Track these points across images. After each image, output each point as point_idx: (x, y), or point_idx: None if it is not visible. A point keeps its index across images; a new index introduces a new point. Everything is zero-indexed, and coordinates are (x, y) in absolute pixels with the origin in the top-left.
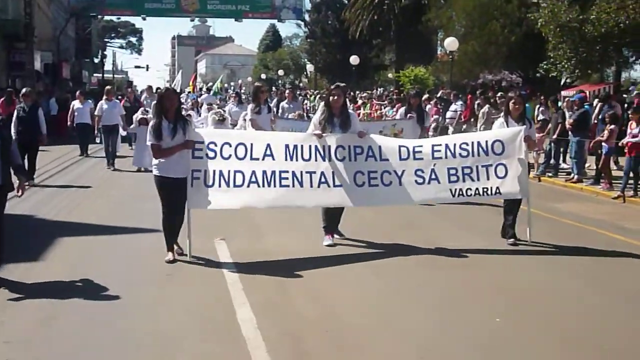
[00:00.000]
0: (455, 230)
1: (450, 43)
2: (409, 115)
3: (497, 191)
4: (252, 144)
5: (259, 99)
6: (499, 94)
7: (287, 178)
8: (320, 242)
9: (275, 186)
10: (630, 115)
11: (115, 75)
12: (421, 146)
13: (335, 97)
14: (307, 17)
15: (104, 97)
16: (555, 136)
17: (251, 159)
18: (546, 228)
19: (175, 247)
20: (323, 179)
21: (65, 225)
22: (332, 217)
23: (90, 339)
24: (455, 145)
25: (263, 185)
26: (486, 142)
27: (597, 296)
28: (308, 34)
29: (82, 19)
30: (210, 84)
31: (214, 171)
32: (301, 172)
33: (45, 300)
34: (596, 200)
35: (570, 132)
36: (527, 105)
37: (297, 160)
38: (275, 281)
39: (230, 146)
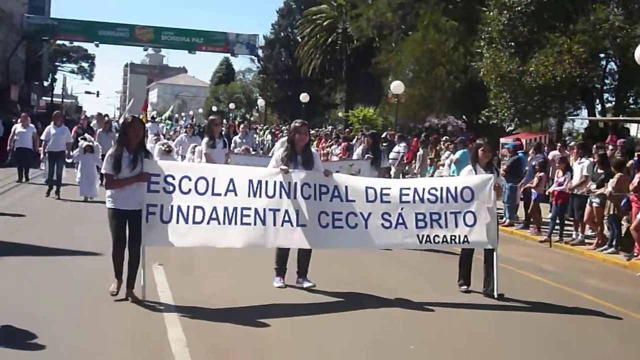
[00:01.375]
0: (415, 280)
1: (397, 86)
2: (366, 155)
3: (465, 240)
4: (214, 178)
5: (212, 132)
6: (444, 138)
7: (249, 215)
8: (255, 270)
9: (236, 224)
10: (557, 165)
11: (65, 100)
12: (389, 188)
13: (302, 135)
14: (260, 52)
15: (52, 122)
16: None
17: (212, 194)
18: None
19: (132, 296)
20: (287, 218)
21: (5, 246)
22: (284, 259)
23: (14, 355)
24: (424, 189)
25: (224, 223)
26: (455, 188)
27: (509, 332)
28: (260, 69)
29: (33, 42)
30: (154, 112)
31: (172, 206)
32: (264, 209)
33: None
34: (524, 243)
35: (503, 178)
36: (465, 150)
37: (260, 196)
38: (209, 305)
39: (190, 180)
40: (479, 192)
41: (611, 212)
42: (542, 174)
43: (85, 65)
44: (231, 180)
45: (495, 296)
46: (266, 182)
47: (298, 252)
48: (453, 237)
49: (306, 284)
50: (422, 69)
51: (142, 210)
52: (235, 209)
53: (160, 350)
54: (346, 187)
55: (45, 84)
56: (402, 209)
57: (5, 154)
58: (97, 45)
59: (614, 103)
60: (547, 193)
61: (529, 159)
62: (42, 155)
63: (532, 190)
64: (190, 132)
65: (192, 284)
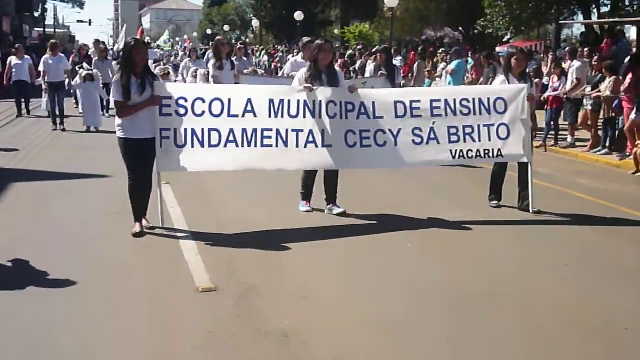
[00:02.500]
0: (439, 198)
1: (391, 0)
2: (380, 72)
3: (499, 153)
4: (229, 99)
5: (220, 54)
6: (440, 50)
7: (270, 137)
8: (270, 194)
9: (256, 146)
10: (552, 70)
11: (57, 30)
12: (419, 101)
13: (326, 53)
14: None
15: (49, 51)
16: None
17: (229, 115)
18: (468, 174)
19: (145, 223)
20: (311, 138)
21: (19, 172)
22: (310, 183)
23: (44, 267)
24: (455, 101)
25: (242, 145)
26: (488, 99)
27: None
28: None
29: None
30: (148, 38)
31: (186, 130)
32: (287, 130)
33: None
34: None
35: None
36: (460, 60)
37: (282, 117)
38: (217, 217)
39: (204, 102)
40: (512, 102)
41: (606, 115)
42: (536, 80)
43: None
44: (249, 101)
45: (531, 211)
46: (289, 101)
47: (324, 176)
48: (487, 151)
49: (336, 210)
50: None
51: (155, 135)
52: (254, 130)
53: (174, 258)
54: (373, 102)
55: (36, 14)
56: (434, 123)
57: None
58: None
59: (609, 7)
60: (542, 99)
61: None
62: (43, 86)
63: None
64: (194, 56)
65: (202, 203)
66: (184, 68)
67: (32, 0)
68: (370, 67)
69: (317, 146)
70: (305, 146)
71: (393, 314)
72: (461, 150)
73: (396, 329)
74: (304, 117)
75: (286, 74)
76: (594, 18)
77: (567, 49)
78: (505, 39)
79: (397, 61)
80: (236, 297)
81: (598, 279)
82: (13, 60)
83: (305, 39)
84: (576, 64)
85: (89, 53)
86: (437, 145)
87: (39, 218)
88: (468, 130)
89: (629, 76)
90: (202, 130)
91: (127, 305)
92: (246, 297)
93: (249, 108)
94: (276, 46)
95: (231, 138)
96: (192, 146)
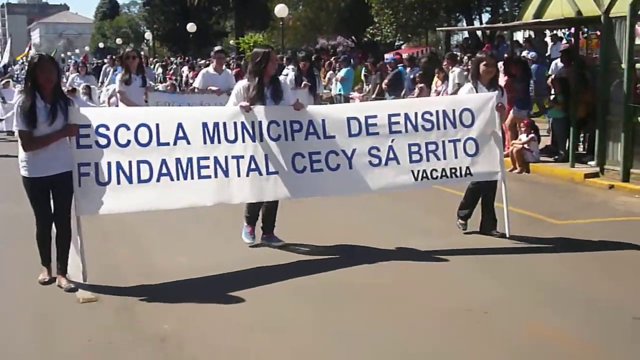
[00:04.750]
0: (383, 226)
1: (280, 10)
2: (303, 83)
3: (468, 172)
4: (157, 125)
5: (129, 67)
6: (332, 58)
7: (207, 167)
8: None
9: (193, 178)
10: (436, 74)
11: None
12: (375, 117)
13: (274, 62)
14: None
15: None
16: (374, 95)
17: (159, 144)
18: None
19: (64, 283)
20: (253, 166)
21: None
22: (257, 208)
23: None
24: (416, 114)
25: (177, 178)
26: (453, 111)
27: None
28: (145, 1)
29: None
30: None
31: (109, 163)
32: (225, 157)
33: None
34: None
35: (386, 92)
36: (348, 68)
37: (219, 142)
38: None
39: (129, 129)
40: (479, 114)
41: None
42: (422, 84)
43: None
44: (179, 126)
45: (507, 236)
46: (224, 123)
47: (263, 203)
48: (453, 170)
49: (275, 243)
50: None
51: (73, 171)
52: (189, 160)
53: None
54: (323, 120)
55: None
56: (392, 140)
57: None
58: None
59: (490, 14)
60: None
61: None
62: None
63: None
64: (83, 71)
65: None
66: (70, 84)
67: None
68: (290, 76)
69: (260, 174)
70: (248, 174)
71: (272, 314)
72: (424, 171)
73: (274, 328)
74: (243, 141)
75: (197, 87)
76: (477, 24)
77: (446, 55)
78: (397, 45)
79: (289, 70)
80: (117, 306)
81: (461, 268)
82: None
83: (217, 48)
84: (456, 69)
85: None
86: (397, 166)
87: None
88: (431, 147)
89: (505, 78)
90: (130, 162)
91: (5, 323)
92: (127, 305)
93: (181, 134)
94: (170, 58)
95: (164, 170)
96: (118, 182)
